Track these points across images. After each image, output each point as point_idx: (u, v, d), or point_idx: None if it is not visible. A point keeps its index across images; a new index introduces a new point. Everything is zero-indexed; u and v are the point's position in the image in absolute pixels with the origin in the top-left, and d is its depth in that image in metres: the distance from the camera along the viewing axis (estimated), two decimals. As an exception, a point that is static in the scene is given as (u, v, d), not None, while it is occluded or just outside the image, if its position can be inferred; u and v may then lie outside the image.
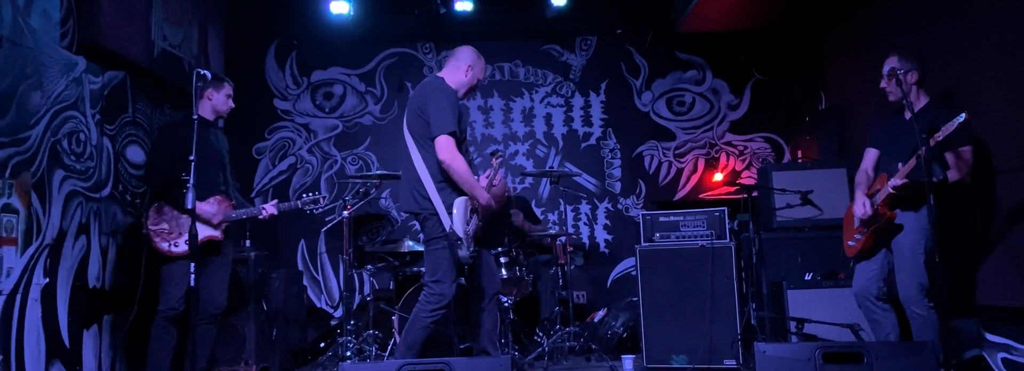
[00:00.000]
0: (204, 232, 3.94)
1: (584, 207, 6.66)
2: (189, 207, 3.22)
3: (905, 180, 3.59)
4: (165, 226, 3.96)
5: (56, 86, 3.93)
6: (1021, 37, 3.85)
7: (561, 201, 5.83)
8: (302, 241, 6.57)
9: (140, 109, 4.83)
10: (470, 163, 3.75)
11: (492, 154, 4.30)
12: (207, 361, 4.14)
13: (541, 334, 5.21)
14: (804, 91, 6.56)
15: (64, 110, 3.98)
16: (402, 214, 6.59)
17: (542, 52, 6.79)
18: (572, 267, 5.69)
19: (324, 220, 6.54)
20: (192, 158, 3.29)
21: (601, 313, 5.72)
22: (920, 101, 3.81)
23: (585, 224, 6.65)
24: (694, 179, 6.65)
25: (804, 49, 6.53)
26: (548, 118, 6.75)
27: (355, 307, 5.78)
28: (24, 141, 3.65)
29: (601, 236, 6.64)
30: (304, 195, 4.38)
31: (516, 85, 6.78)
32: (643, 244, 4.92)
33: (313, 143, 6.70)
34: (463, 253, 3.59)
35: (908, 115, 3.76)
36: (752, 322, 4.76)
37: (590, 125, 6.74)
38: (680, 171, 6.67)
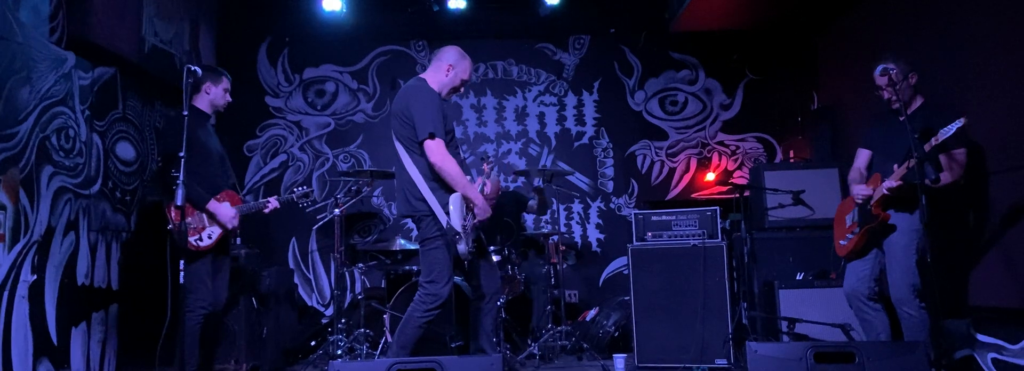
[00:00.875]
0: (218, 229, 4.00)
1: (576, 206, 6.65)
2: (179, 204, 3.19)
3: (900, 182, 3.60)
4: (190, 220, 3.95)
5: (45, 81, 3.89)
6: (1013, 37, 3.86)
7: (554, 200, 5.82)
8: (293, 239, 6.54)
9: (131, 105, 4.80)
10: (461, 163, 3.74)
11: (482, 159, 4.30)
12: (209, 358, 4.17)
13: (533, 333, 5.20)
14: (796, 91, 6.57)
15: (53, 106, 3.95)
16: (394, 212, 6.57)
17: (535, 51, 6.78)
18: (564, 266, 5.69)
19: (315, 218, 6.51)
20: (182, 154, 3.27)
21: (593, 312, 5.71)
22: (915, 103, 3.82)
23: (577, 223, 6.64)
24: (686, 178, 6.66)
25: (797, 49, 6.55)
26: (541, 117, 6.74)
27: (346, 305, 5.77)
28: (12, 137, 3.62)
29: (593, 235, 6.64)
30: (296, 189, 4.45)
31: (509, 84, 6.76)
32: (635, 243, 4.92)
33: (305, 141, 6.67)
34: (462, 248, 3.58)
35: (903, 117, 3.78)
36: (744, 321, 4.76)
37: (583, 124, 6.73)
38: (672, 170, 6.67)
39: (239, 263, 4.76)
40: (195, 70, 3.49)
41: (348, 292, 6.37)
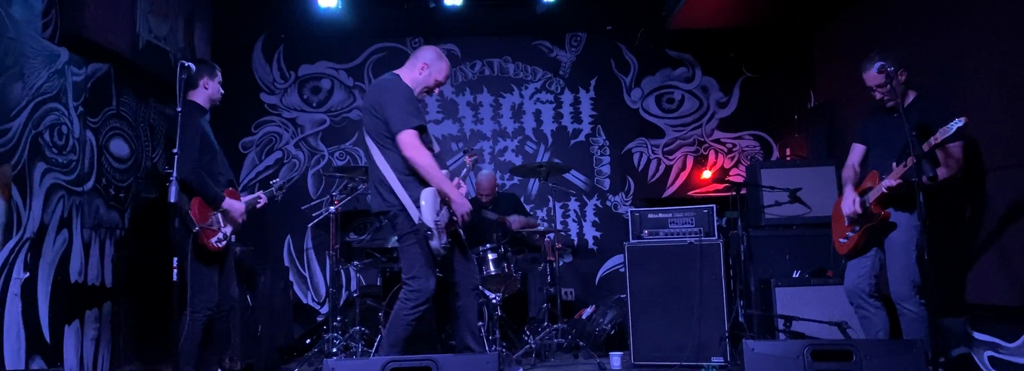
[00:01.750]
0: (230, 229, 4.00)
1: (573, 204, 6.64)
2: (173, 201, 3.17)
3: (900, 181, 3.58)
4: (211, 220, 3.93)
5: (38, 77, 3.86)
6: (1010, 35, 3.85)
7: (550, 198, 5.81)
8: (289, 236, 6.52)
9: (124, 102, 4.77)
10: (435, 156, 3.69)
11: (465, 152, 4.28)
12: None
13: (529, 331, 5.19)
14: (793, 89, 6.56)
15: (46, 102, 3.92)
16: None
17: (532, 48, 6.76)
18: (560, 264, 5.67)
19: (310, 215, 6.49)
20: (176, 151, 3.25)
21: (589, 310, 5.70)
22: (908, 97, 3.81)
23: (574, 221, 6.63)
24: (683, 176, 6.65)
25: (794, 47, 6.53)
26: (537, 114, 6.72)
27: (342, 303, 5.75)
28: (4, 133, 3.59)
29: (590, 233, 6.62)
30: (271, 182, 4.57)
31: (505, 81, 6.74)
32: (631, 241, 4.91)
33: (300, 138, 6.65)
34: (435, 244, 3.52)
35: (897, 113, 3.77)
36: (740, 319, 4.75)
37: (579, 122, 6.72)
38: (669, 168, 6.66)
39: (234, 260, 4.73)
40: (189, 66, 3.47)
41: (343, 290, 6.35)
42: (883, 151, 3.86)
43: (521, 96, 6.72)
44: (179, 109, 3.38)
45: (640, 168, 6.68)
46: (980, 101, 4.06)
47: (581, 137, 6.70)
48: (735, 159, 6.64)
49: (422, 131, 3.63)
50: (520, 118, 6.71)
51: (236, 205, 3.99)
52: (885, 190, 3.64)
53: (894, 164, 3.64)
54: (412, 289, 3.61)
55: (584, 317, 5.62)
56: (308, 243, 6.52)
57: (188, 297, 3.82)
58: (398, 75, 3.78)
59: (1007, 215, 3.83)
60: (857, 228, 3.87)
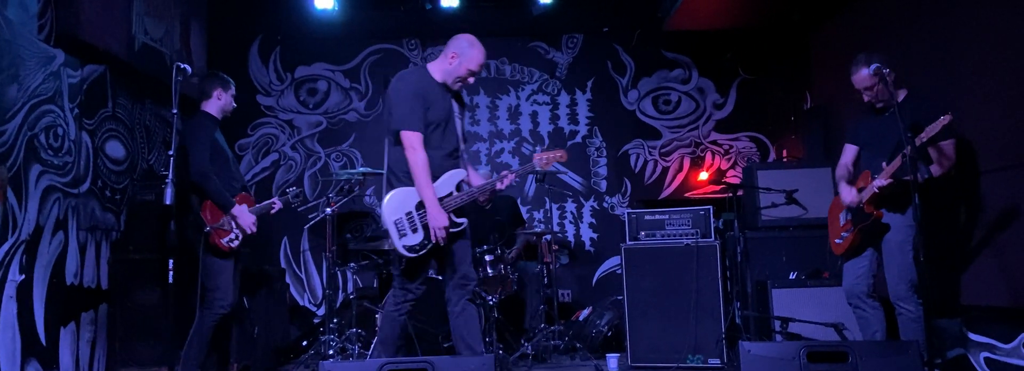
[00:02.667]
0: (248, 229, 4.09)
1: (570, 205, 6.64)
2: (168, 203, 3.17)
3: (891, 180, 3.59)
4: (222, 221, 4.00)
5: (33, 79, 3.85)
6: (1005, 37, 3.86)
7: (547, 199, 5.81)
8: (285, 238, 6.52)
9: (120, 104, 4.76)
10: (450, 153, 3.66)
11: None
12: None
13: (526, 333, 5.19)
14: (789, 90, 6.57)
15: (41, 104, 3.91)
16: (386, 211, 6.54)
17: (528, 49, 6.76)
18: (557, 266, 5.67)
19: (307, 217, 6.48)
20: (171, 153, 3.24)
21: (586, 312, 5.70)
22: (899, 95, 3.81)
23: (570, 222, 6.63)
24: (680, 178, 6.65)
25: (790, 49, 6.54)
26: (534, 116, 6.72)
27: (338, 305, 5.74)
28: None
29: (586, 234, 6.62)
30: (288, 189, 4.56)
31: (502, 82, 6.75)
32: (628, 243, 4.91)
33: (297, 139, 6.64)
34: (397, 245, 3.50)
35: (888, 112, 3.79)
36: (737, 321, 4.75)
37: (576, 123, 6.72)
38: (665, 170, 6.67)
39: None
40: (185, 68, 3.46)
41: (340, 292, 6.34)
42: (875, 151, 3.87)
43: (518, 98, 6.72)
44: (174, 111, 3.37)
45: (637, 170, 6.68)
46: (975, 102, 4.07)
47: (578, 139, 6.71)
48: (732, 160, 6.65)
49: (434, 128, 3.60)
50: (517, 120, 6.72)
51: (245, 215, 4.04)
52: (877, 190, 3.65)
53: (884, 164, 3.65)
54: (396, 286, 3.67)
55: (581, 319, 5.62)
56: (305, 245, 6.51)
57: (202, 296, 3.87)
58: (423, 67, 3.76)
59: (1002, 216, 3.84)
60: (851, 229, 3.88)
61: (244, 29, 6.63)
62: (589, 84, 6.74)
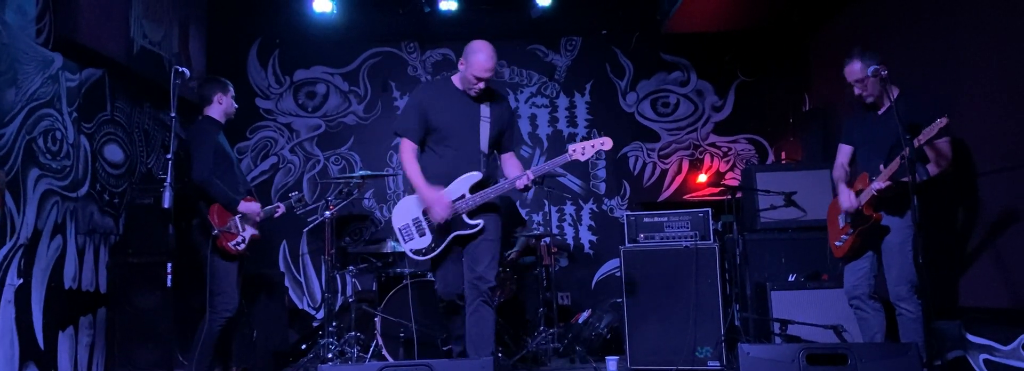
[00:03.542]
0: (249, 231, 4.21)
1: (569, 208, 6.64)
2: (166, 206, 3.17)
3: (889, 182, 3.59)
4: (230, 224, 4.07)
5: (31, 83, 3.85)
6: (1004, 39, 3.87)
7: (546, 202, 5.81)
8: (284, 242, 6.51)
9: (119, 107, 4.76)
10: (473, 158, 3.75)
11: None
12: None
13: (525, 335, 5.18)
14: (788, 93, 6.58)
15: (40, 108, 3.91)
16: (385, 214, 6.56)
17: (527, 52, 6.77)
18: (556, 268, 5.67)
19: (306, 221, 6.48)
20: (170, 157, 3.24)
21: (585, 314, 5.70)
22: (892, 94, 3.81)
23: (569, 225, 6.63)
24: (678, 180, 6.65)
25: (788, 51, 6.55)
26: (533, 118, 6.72)
27: (337, 308, 5.74)
28: (-2, 139, 3.58)
29: (585, 237, 6.62)
30: (290, 194, 4.76)
31: (501, 85, 6.73)
32: (627, 245, 4.91)
33: (295, 143, 6.64)
34: (403, 248, 3.78)
35: (882, 111, 3.82)
36: (736, 323, 4.75)
37: (575, 126, 6.72)
38: (664, 172, 6.67)
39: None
40: (184, 71, 3.47)
41: (339, 295, 6.34)
42: (870, 152, 3.87)
43: (516, 100, 6.72)
44: (173, 114, 3.37)
45: (636, 172, 6.68)
46: (974, 104, 4.08)
47: (577, 141, 6.70)
48: (730, 163, 6.65)
49: (436, 135, 3.79)
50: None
51: (252, 206, 4.17)
52: (875, 192, 3.65)
53: (882, 165, 3.65)
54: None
55: (580, 321, 5.62)
56: (303, 248, 6.51)
57: (209, 300, 3.89)
58: (447, 77, 3.96)
59: (1001, 218, 3.84)
60: (851, 231, 3.88)
61: (243, 32, 6.63)
62: (588, 87, 6.75)
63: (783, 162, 6.23)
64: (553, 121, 6.72)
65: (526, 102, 6.73)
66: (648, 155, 6.69)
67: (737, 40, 6.57)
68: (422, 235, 3.74)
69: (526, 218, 6.46)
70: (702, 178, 6.59)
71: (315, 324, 6.14)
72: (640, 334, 4.73)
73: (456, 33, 6.43)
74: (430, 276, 4.91)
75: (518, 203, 6.46)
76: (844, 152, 4.10)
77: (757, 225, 5.24)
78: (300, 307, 6.42)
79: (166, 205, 3.20)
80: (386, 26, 6.61)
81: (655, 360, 4.67)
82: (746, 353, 3.38)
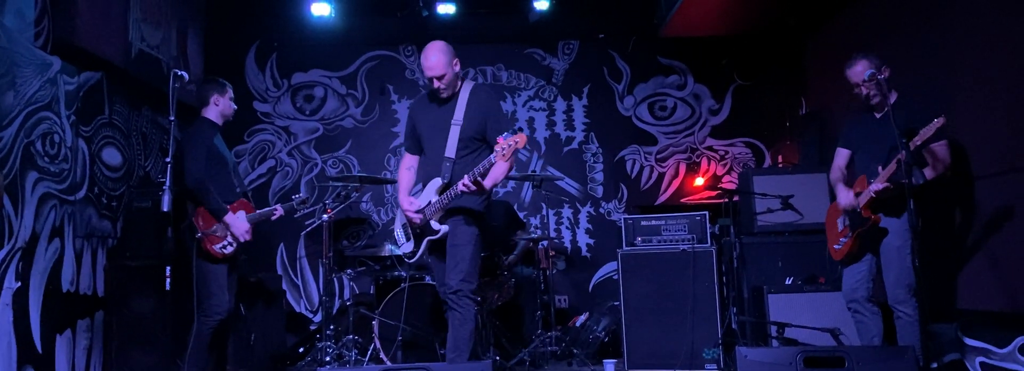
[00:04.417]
0: (241, 237, 4.13)
1: (566, 211, 6.65)
2: (165, 210, 3.18)
3: (887, 184, 3.61)
4: (215, 227, 4.03)
5: (30, 86, 3.86)
6: (1000, 42, 3.88)
7: (543, 205, 5.82)
8: (281, 245, 6.51)
9: (117, 110, 4.76)
10: (443, 162, 3.77)
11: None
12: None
13: (523, 339, 5.18)
14: (785, 96, 6.59)
15: (38, 111, 3.91)
16: (383, 218, 6.56)
17: (525, 56, 6.78)
18: (554, 271, 5.68)
19: (304, 224, 6.48)
20: (168, 160, 3.25)
21: (583, 317, 5.70)
22: (891, 98, 3.83)
23: (567, 228, 6.64)
24: (676, 183, 6.66)
25: (785, 54, 6.57)
26: (530, 122, 6.73)
27: (335, 312, 5.73)
28: (-4, 142, 3.58)
29: (583, 240, 6.63)
30: (293, 196, 4.68)
31: (498, 89, 6.75)
32: (625, 248, 4.91)
33: (293, 146, 6.65)
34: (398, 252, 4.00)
35: (880, 114, 3.83)
36: (733, 326, 4.76)
37: (572, 129, 6.74)
38: (662, 175, 6.68)
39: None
40: (182, 74, 3.48)
41: (337, 298, 6.33)
42: (868, 154, 3.89)
43: (514, 104, 6.74)
44: (172, 118, 3.38)
45: (633, 175, 6.69)
46: (970, 107, 4.09)
47: (574, 145, 6.72)
48: (727, 166, 6.67)
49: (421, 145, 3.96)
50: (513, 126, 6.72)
51: (238, 223, 4.07)
52: (874, 194, 3.66)
53: (880, 168, 3.66)
54: None
55: (578, 324, 5.62)
56: (301, 251, 6.51)
57: (197, 302, 3.88)
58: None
59: (997, 221, 3.86)
60: (849, 234, 3.89)
61: (241, 36, 6.64)
62: (585, 90, 6.76)
63: (780, 165, 6.25)
64: (551, 125, 6.73)
65: (524, 105, 6.74)
66: (645, 158, 6.70)
67: (734, 44, 6.59)
68: (408, 240, 3.92)
69: (524, 221, 6.46)
70: (699, 181, 6.60)
71: (313, 327, 6.14)
72: (638, 337, 4.74)
73: (454, 37, 6.36)
74: (428, 279, 4.93)
75: (515, 206, 6.47)
76: (842, 155, 4.11)
77: (754, 228, 5.25)
78: (298, 310, 6.42)
79: (165, 208, 3.21)
80: (384, 30, 6.62)
81: (653, 363, 4.68)
82: (744, 356, 3.38)
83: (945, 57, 4.35)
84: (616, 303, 5.03)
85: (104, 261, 4.48)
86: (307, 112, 6.68)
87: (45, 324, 3.87)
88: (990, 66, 3.97)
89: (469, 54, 6.74)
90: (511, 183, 6.60)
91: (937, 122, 3.34)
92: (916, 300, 3.67)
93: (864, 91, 3.84)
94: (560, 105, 6.75)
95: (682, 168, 6.68)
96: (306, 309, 6.44)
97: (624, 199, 6.65)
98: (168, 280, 3.27)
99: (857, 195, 3.86)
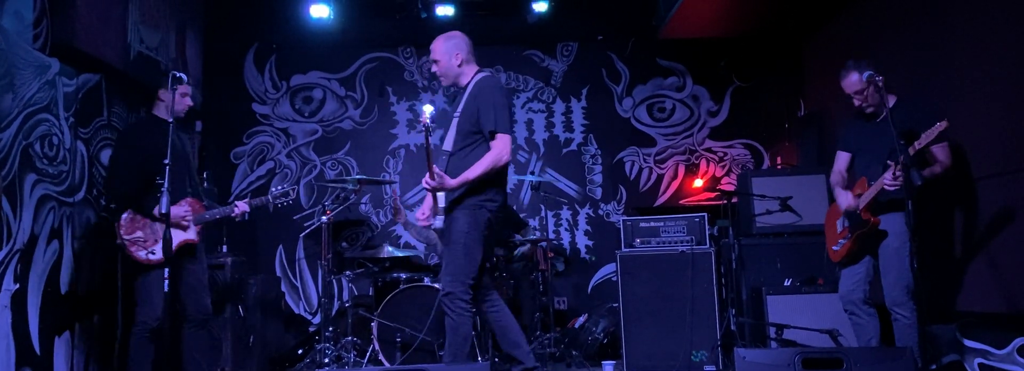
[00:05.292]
0: (179, 236, 3.88)
1: (565, 213, 6.65)
2: (164, 211, 3.17)
3: (889, 186, 3.60)
4: (140, 234, 3.88)
5: (28, 88, 3.85)
6: (998, 43, 3.89)
7: (542, 207, 5.82)
8: (280, 246, 6.51)
9: (116, 112, 4.76)
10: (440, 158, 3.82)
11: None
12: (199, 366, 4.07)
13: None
14: (783, 98, 6.59)
15: (36, 113, 3.91)
16: (382, 219, 6.56)
17: (523, 58, 6.78)
18: (553, 273, 5.68)
19: (303, 225, 6.48)
20: (167, 162, 3.24)
21: (582, 319, 5.70)
22: (890, 101, 3.84)
23: (566, 230, 6.64)
24: (674, 185, 6.67)
25: (784, 56, 6.57)
26: (529, 124, 6.74)
27: (334, 313, 5.73)
28: (-5, 144, 3.58)
29: (582, 242, 6.63)
30: (272, 189, 4.29)
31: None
32: (624, 250, 4.92)
33: (292, 148, 6.65)
34: None
35: (879, 118, 3.82)
36: (732, 328, 4.76)
37: (571, 131, 6.74)
38: (660, 177, 6.68)
39: (225, 271, 4.73)
40: (181, 76, 3.47)
41: (335, 300, 6.33)
42: (869, 157, 3.89)
43: (513, 105, 6.74)
44: (170, 120, 3.38)
45: (632, 177, 6.69)
46: (968, 108, 4.09)
47: (573, 146, 6.72)
48: (726, 168, 6.67)
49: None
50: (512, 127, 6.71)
51: (177, 212, 3.85)
52: (887, 185, 3.62)
53: (883, 170, 3.66)
54: None
55: (577, 326, 5.62)
56: (300, 253, 6.50)
57: (122, 309, 3.79)
58: None
59: (996, 222, 3.86)
60: (849, 235, 3.89)
61: (240, 38, 6.64)
62: (584, 92, 6.76)
63: (779, 167, 6.25)
64: (549, 126, 6.73)
65: (522, 107, 6.75)
66: (644, 160, 6.70)
67: (733, 46, 6.60)
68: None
69: (525, 222, 6.46)
70: (698, 183, 6.60)
71: (312, 329, 6.13)
72: (636, 339, 4.74)
73: (453, 38, 6.42)
74: (427, 281, 4.92)
75: (515, 207, 6.47)
76: (842, 159, 4.11)
77: (753, 230, 5.26)
78: (296, 312, 6.42)
79: (163, 210, 3.20)
80: (383, 31, 6.62)
81: (651, 365, 4.68)
82: (742, 357, 3.39)
83: (944, 57, 4.35)
84: (615, 305, 5.03)
85: (102, 263, 4.47)
86: (306, 114, 6.68)
87: (44, 326, 3.87)
88: (989, 66, 3.97)
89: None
90: (510, 184, 6.58)
91: (940, 126, 3.34)
92: (914, 302, 3.67)
93: (858, 101, 3.85)
94: (559, 107, 6.76)
95: (681, 170, 6.68)
96: (305, 311, 6.44)
97: (623, 201, 6.65)
98: (166, 281, 3.26)
99: (857, 197, 3.87)
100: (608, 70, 6.78)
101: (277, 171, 6.60)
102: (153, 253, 3.85)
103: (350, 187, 5.20)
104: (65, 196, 4.14)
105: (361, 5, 6.30)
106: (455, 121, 3.77)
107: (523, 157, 6.69)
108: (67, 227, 4.14)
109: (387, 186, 5.35)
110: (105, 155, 4.60)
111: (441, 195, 3.70)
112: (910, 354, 3.31)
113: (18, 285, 3.70)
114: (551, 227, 6.55)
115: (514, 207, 6.48)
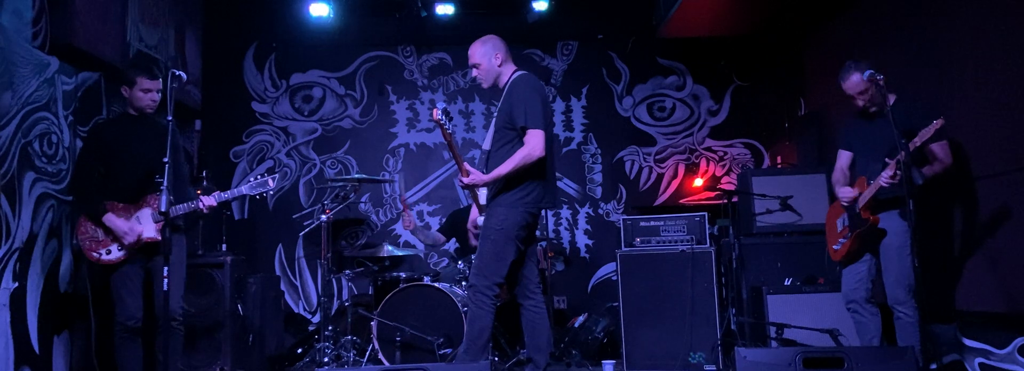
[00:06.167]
0: (140, 234, 3.72)
1: (565, 212, 6.64)
2: (163, 210, 3.16)
3: (888, 185, 3.59)
4: (99, 234, 3.75)
5: (27, 86, 3.85)
6: (999, 43, 3.88)
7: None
8: (280, 245, 6.50)
9: (115, 111, 4.75)
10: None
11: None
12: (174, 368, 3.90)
13: (521, 340, 5.16)
14: (784, 97, 6.59)
15: (35, 111, 3.90)
16: (382, 218, 6.56)
17: (523, 57, 6.77)
18: (552, 272, 5.67)
19: (302, 224, 6.47)
20: (166, 160, 3.23)
21: (581, 318, 5.69)
22: (889, 100, 3.84)
23: (566, 229, 6.63)
24: (674, 184, 6.66)
25: (784, 55, 6.57)
26: (529, 123, 6.72)
27: (333, 312, 5.73)
28: (-6, 142, 3.57)
29: (582, 241, 6.62)
30: (250, 178, 3.89)
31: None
32: (624, 249, 4.91)
33: (292, 146, 6.64)
34: None
35: (880, 117, 3.81)
36: (732, 327, 4.76)
37: (571, 130, 6.73)
38: (660, 176, 6.68)
39: (224, 270, 4.71)
40: (180, 75, 3.46)
41: (335, 299, 6.33)
42: (869, 156, 3.89)
43: (549, 102, 6.71)
44: (169, 118, 3.37)
45: (632, 176, 6.69)
46: (968, 108, 4.09)
47: (573, 145, 6.71)
48: (726, 167, 6.67)
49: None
50: (512, 126, 6.71)
51: (118, 224, 3.69)
52: (884, 182, 3.62)
53: (882, 169, 3.66)
54: None
55: (576, 325, 5.61)
56: (299, 252, 6.49)
57: (115, 311, 3.75)
58: None
59: (996, 222, 3.85)
60: (849, 234, 3.89)
61: (239, 36, 6.63)
62: (584, 91, 6.76)
63: (779, 166, 6.25)
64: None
65: (522, 106, 6.73)
66: (644, 159, 6.70)
67: (733, 45, 6.59)
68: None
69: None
70: (698, 182, 6.60)
71: (311, 328, 6.13)
72: (636, 338, 4.73)
73: (452, 37, 6.44)
74: (427, 280, 4.92)
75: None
76: (843, 157, 4.11)
77: (753, 229, 5.25)
78: (296, 311, 6.41)
79: (162, 208, 3.19)
80: (382, 30, 6.62)
81: (651, 364, 4.67)
82: (743, 357, 3.38)
83: (943, 56, 4.35)
84: (615, 304, 5.02)
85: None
86: (305, 113, 6.67)
87: (43, 325, 3.86)
88: (988, 65, 3.97)
89: (467, 55, 6.75)
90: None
91: (936, 123, 3.35)
92: (915, 301, 3.66)
93: (861, 102, 3.85)
94: (559, 106, 6.75)
95: (681, 169, 6.68)
96: (304, 310, 6.43)
97: (623, 200, 6.64)
98: (166, 281, 3.25)
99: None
100: (608, 69, 6.77)
101: (276, 170, 6.59)
102: (107, 253, 3.73)
103: (349, 186, 5.19)
104: (64, 194, 4.13)
105: (361, 4, 6.30)
106: (495, 119, 3.85)
107: (523, 156, 6.67)
108: (66, 225, 4.13)
109: (393, 193, 5.31)
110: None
111: (482, 193, 3.74)
112: (912, 354, 3.30)
113: (17, 284, 3.69)
114: (551, 226, 6.55)
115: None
